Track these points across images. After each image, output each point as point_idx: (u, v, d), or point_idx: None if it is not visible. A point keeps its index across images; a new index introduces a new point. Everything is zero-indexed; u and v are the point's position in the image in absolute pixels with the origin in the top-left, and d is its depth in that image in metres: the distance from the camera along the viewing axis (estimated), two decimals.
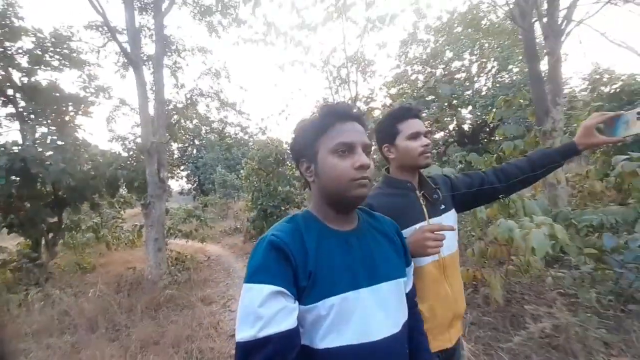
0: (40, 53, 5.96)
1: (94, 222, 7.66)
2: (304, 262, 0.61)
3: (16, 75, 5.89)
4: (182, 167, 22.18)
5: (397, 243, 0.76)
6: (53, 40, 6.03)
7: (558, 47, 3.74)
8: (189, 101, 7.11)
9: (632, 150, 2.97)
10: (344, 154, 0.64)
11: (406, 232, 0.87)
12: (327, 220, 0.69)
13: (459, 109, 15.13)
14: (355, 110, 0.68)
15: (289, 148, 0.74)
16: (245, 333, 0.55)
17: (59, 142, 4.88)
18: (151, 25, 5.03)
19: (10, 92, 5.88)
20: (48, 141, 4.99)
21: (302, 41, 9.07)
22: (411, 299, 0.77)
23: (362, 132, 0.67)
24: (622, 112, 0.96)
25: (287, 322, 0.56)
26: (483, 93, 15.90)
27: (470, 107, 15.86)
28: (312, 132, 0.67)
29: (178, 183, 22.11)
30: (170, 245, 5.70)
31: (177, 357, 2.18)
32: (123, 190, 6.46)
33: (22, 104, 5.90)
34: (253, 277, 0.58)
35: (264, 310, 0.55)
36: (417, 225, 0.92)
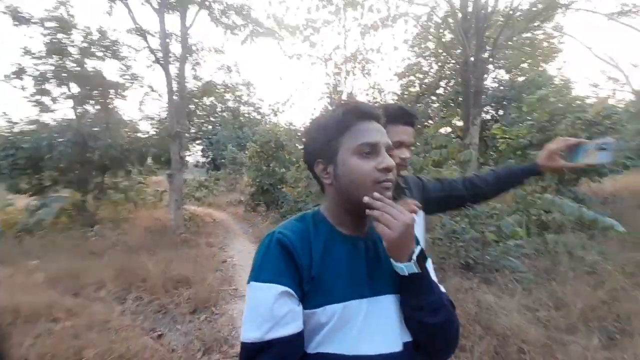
0: (87, 46, 7.44)
1: (124, 185, 9.42)
2: (309, 265, 0.59)
3: (68, 64, 7.42)
4: (197, 142, 23.96)
5: None
6: (99, 35, 7.49)
7: (481, 82, 4.89)
8: (205, 90, 8.53)
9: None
10: (368, 155, 0.60)
11: None
12: (339, 224, 0.65)
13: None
14: (376, 110, 0.64)
15: (302, 148, 0.75)
16: (251, 334, 0.54)
17: (106, 122, 6.45)
18: (177, 31, 6.37)
19: (64, 75, 7.45)
20: (96, 119, 6.59)
21: (308, 37, 10.23)
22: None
23: (383, 132, 0.63)
24: (585, 140, 1.01)
25: (294, 325, 0.55)
26: (490, 91, 16.55)
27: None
28: (331, 131, 0.62)
29: (193, 157, 23.84)
30: (185, 208, 7.35)
31: (188, 266, 3.78)
32: (149, 162, 8.09)
33: (74, 87, 7.48)
34: (260, 275, 0.57)
35: (271, 312, 0.54)
36: None
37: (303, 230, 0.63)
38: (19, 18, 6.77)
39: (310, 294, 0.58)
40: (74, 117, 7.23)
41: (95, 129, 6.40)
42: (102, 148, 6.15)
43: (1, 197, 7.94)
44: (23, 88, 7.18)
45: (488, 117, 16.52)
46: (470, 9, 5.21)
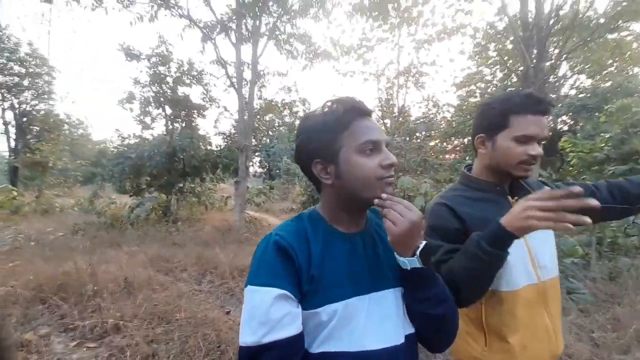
0: (179, 75, 9.05)
1: (198, 191, 10.95)
2: (308, 265, 0.60)
3: (165, 90, 9.11)
4: (256, 153, 26.22)
5: None
6: (188, 66, 9.07)
7: (542, 93, 4.67)
8: (267, 108, 9.57)
9: None
10: (371, 152, 0.61)
11: None
12: (336, 223, 0.66)
13: None
14: (369, 107, 0.64)
15: (295, 148, 0.67)
16: (249, 337, 0.55)
17: (190, 137, 7.76)
18: (249, 59, 7.43)
19: (161, 100, 9.15)
20: (182, 135, 7.96)
21: (362, 54, 10.75)
22: None
23: (381, 128, 0.63)
24: None
25: (292, 328, 0.55)
26: (567, 99, 14.98)
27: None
28: (331, 130, 0.62)
29: (252, 167, 26.03)
30: (247, 212, 8.28)
31: (250, 259, 4.39)
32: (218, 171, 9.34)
33: (167, 109, 9.12)
34: (257, 278, 0.58)
35: (268, 315, 0.55)
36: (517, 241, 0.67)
37: (300, 230, 0.64)
38: (130, 55, 8.63)
39: (311, 294, 0.59)
40: (165, 133, 8.80)
41: (180, 142, 7.72)
42: (186, 158, 7.40)
43: (107, 197, 9.97)
44: (131, 110, 9.05)
45: (565, 127, 14.86)
46: (531, 19, 5.08)
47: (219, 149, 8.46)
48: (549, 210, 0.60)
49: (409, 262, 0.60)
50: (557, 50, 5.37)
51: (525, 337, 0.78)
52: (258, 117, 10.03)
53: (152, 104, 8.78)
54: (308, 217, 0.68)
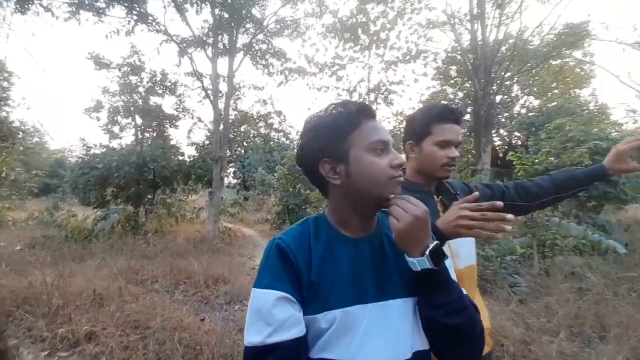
0: (152, 85, 8.96)
1: (168, 202, 10.64)
2: (307, 270, 0.59)
3: (136, 100, 8.94)
4: (230, 164, 25.88)
5: None
6: (161, 77, 9.01)
7: (490, 114, 5.35)
8: (242, 120, 9.71)
9: None
10: (381, 152, 0.61)
11: None
12: (342, 226, 0.65)
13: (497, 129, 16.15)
14: (374, 110, 0.65)
15: (300, 149, 0.67)
16: (253, 338, 0.55)
17: (162, 147, 7.66)
18: (225, 73, 7.60)
19: (132, 109, 8.96)
20: (153, 145, 7.84)
21: (335, 72, 11.30)
22: None
23: (387, 130, 0.64)
24: None
25: (295, 330, 0.55)
26: (519, 118, 16.61)
27: (506, 129, 16.85)
28: (340, 129, 0.62)
29: (226, 178, 25.60)
30: (221, 223, 8.23)
31: (224, 268, 4.46)
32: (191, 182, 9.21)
33: (138, 118, 8.94)
34: (260, 281, 0.59)
35: (271, 317, 0.55)
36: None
37: (303, 234, 0.63)
38: (100, 63, 8.43)
39: (310, 299, 0.58)
40: (135, 143, 8.60)
41: (151, 153, 7.60)
42: (157, 169, 7.29)
43: (67, 209, 9.41)
44: (98, 119, 8.76)
45: (519, 142, 16.45)
46: (479, 50, 5.81)
47: (191, 159, 8.41)
48: (475, 220, 0.69)
49: (419, 263, 0.58)
50: (506, 75, 6.15)
51: None
52: (233, 128, 10.11)
53: (122, 113, 8.58)
54: (314, 220, 0.67)
